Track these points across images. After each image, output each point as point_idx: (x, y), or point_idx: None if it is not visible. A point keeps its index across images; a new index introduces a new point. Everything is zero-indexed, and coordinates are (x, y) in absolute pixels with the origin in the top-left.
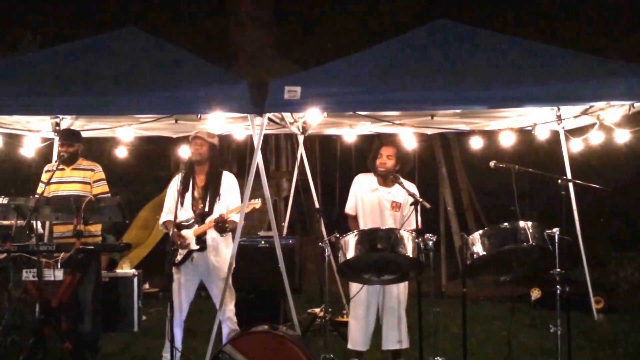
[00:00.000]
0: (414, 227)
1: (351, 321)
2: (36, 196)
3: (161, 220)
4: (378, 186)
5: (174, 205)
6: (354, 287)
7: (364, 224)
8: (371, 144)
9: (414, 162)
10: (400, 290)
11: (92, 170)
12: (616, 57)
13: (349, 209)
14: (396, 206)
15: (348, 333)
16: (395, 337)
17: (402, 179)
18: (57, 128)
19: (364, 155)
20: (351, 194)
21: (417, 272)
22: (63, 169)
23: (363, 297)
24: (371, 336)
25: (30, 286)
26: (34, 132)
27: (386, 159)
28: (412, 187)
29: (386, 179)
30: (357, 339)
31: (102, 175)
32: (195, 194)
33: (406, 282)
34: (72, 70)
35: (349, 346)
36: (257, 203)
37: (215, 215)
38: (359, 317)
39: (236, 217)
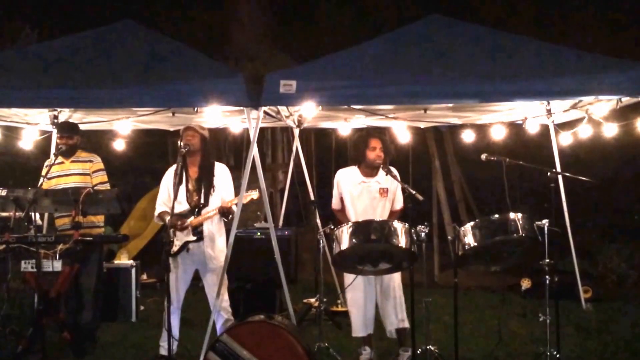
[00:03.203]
0: (400, 205)
1: (351, 310)
2: (41, 188)
3: (156, 212)
4: (363, 178)
5: (167, 197)
6: (349, 276)
7: (356, 216)
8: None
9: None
10: (394, 274)
11: (90, 161)
12: (605, 53)
13: (334, 205)
14: (384, 192)
15: (351, 322)
16: (395, 320)
17: (390, 168)
18: (55, 121)
19: None
20: (336, 191)
21: (409, 263)
22: (62, 162)
23: (360, 284)
24: (373, 320)
25: (28, 277)
26: (32, 124)
27: (380, 151)
28: (394, 171)
29: (369, 170)
30: (360, 325)
31: (101, 166)
32: (190, 186)
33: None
34: (70, 63)
35: (354, 334)
36: (254, 193)
37: (211, 207)
38: (357, 303)
39: (235, 208)
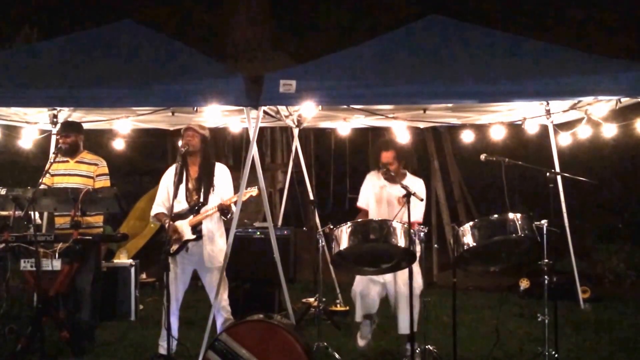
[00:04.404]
0: (417, 218)
1: (356, 297)
2: (41, 187)
3: (153, 212)
4: (386, 183)
5: (166, 197)
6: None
7: (376, 217)
8: (365, 139)
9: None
10: (408, 277)
11: (96, 164)
12: (604, 53)
13: (360, 203)
14: (402, 200)
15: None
16: (406, 323)
17: (411, 177)
18: (55, 120)
19: (358, 148)
20: (363, 190)
21: (408, 262)
22: (67, 161)
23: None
24: (376, 303)
25: (28, 276)
26: (31, 123)
27: (388, 167)
28: (419, 183)
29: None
30: (360, 306)
31: (105, 170)
32: (189, 185)
33: (418, 271)
34: (70, 62)
35: (356, 319)
36: (254, 190)
37: (210, 205)
38: (358, 285)
39: (234, 207)
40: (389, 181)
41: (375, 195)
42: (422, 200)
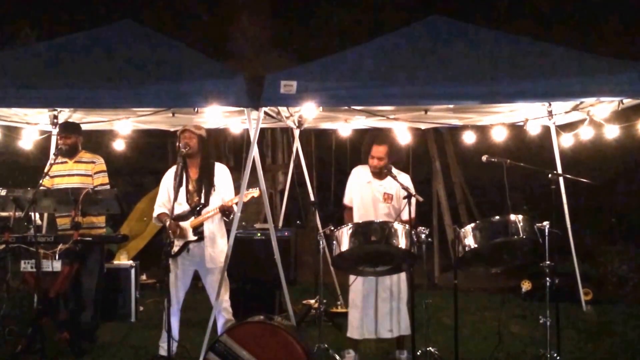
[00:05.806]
0: (406, 217)
1: (350, 310)
2: (41, 188)
3: (155, 214)
4: (372, 179)
5: (167, 198)
6: (353, 276)
7: (358, 215)
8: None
9: (408, 156)
10: (394, 281)
11: (93, 162)
12: (606, 54)
13: (346, 200)
14: (388, 197)
15: (348, 321)
16: (387, 327)
17: (395, 171)
18: (55, 121)
19: (358, 149)
20: (348, 187)
21: (409, 264)
22: (66, 162)
23: (361, 286)
24: (370, 326)
25: (28, 277)
26: (32, 124)
27: (377, 161)
28: (406, 179)
29: (380, 173)
30: (354, 327)
31: (103, 168)
32: (190, 187)
33: (403, 274)
34: (70, 63)
35: (347, 334)
36: (255, 191)
37: (211, 206)
38: (356, 305)
39: (235, 207)
40: (375, 177)
41: (360, 191)
42: (421, 200)
